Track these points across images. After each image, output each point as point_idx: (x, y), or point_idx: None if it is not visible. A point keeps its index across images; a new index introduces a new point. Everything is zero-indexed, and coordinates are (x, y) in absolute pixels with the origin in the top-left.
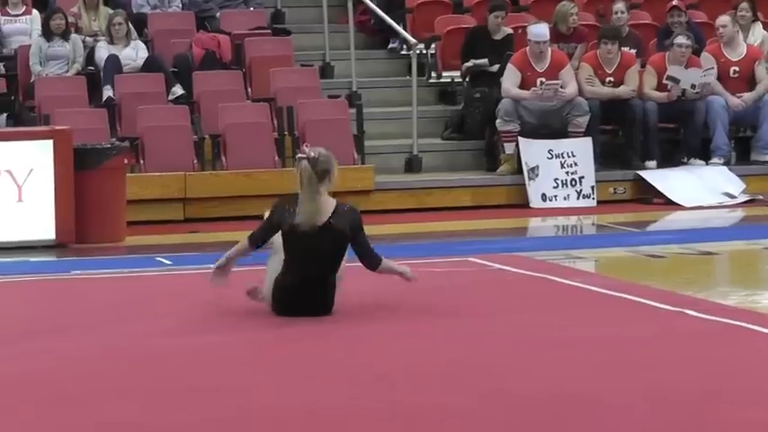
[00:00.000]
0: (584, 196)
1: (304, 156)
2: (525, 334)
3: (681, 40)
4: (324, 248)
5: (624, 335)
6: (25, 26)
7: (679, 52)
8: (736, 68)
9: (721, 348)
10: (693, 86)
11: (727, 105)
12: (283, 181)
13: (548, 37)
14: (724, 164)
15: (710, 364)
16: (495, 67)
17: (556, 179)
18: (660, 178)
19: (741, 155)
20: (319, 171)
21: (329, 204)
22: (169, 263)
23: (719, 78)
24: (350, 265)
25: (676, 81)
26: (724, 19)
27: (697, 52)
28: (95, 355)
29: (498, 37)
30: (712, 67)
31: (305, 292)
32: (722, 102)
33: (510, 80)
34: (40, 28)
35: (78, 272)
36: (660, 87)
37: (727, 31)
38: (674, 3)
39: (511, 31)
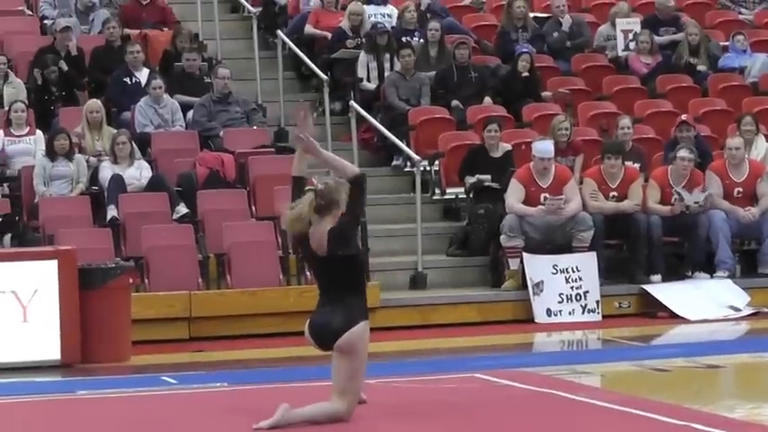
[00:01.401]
0: (589, 311)
1: (312, 188)
2: None
3: (684, 153)
4: (338, 272)
5: None
6: (29, 146)
7: (681, 166)
8: (740, 189)
9: None
10: (697, 202)
11: (729, 218)
12: (288, 299)
13: (553, 153)
14: (728, 277)
15: None
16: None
17: (561, 294)
18: (665, 292)
19: (746, 268)
20: (324, 204)
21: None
22: (174, 382)
23: (724, 197)
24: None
25: (682, 198)
26: (737, 141)
27: (701, 166)
28: None
29: (497, 154)
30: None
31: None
32: (723, 216)
33: (514, 196)
34: (44, 148)
35: (84, 392)
36: (664, 201)
37: (739, 153)
38: (683, 117)
39: (510, 147)
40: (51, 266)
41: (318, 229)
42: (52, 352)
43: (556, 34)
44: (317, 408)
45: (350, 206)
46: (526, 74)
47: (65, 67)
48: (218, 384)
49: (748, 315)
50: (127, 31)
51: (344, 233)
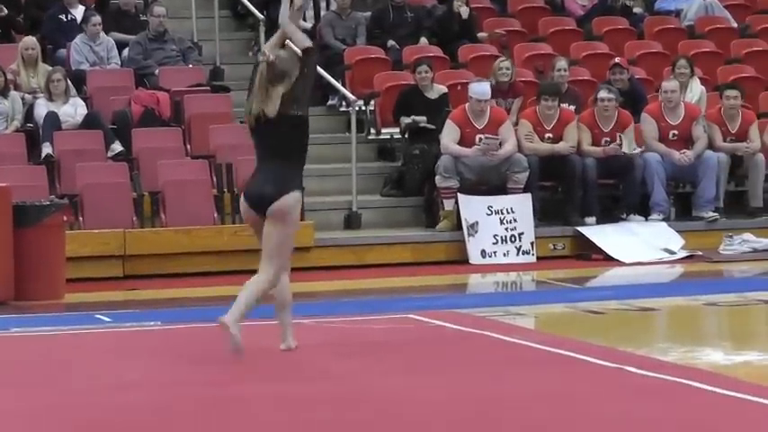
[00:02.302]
0: (523, 252)
1: (264, 59)
2: (461, 391)
3: (603, 93)
4: (282, 134)
5: (562, 391)
6: None
7: (602, 106)
8: (675, 132)
9: (660, 405)
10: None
11: (663, 160)
12: (223, 238)
13: (489, 95)
14: (663, 220)
15: (648, 422)
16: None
17: (495, 235)
18: (599, 234)
19: (681, 211)
20: (276, 74)
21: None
22: (108, 320)
23: (659, 140)
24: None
25: (620, 144)
26: (673, 84)
27: (635, 109)
28: (33, 413)
29: (432, 95)
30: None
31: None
32: (659, 158)
33: (449, 136)
34: None
35: (18, 329)
36: (595, 143)
37: (675, 96)
38: (616, 60)
39: (446, 89)
40: None
41: (272, 95)
42: None
43: None
44: (248, 292)
45: (300, 74)
46: (463, 14)
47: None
48: (152, 323)
49: (682, 258)
50: None
51: (296, 95)
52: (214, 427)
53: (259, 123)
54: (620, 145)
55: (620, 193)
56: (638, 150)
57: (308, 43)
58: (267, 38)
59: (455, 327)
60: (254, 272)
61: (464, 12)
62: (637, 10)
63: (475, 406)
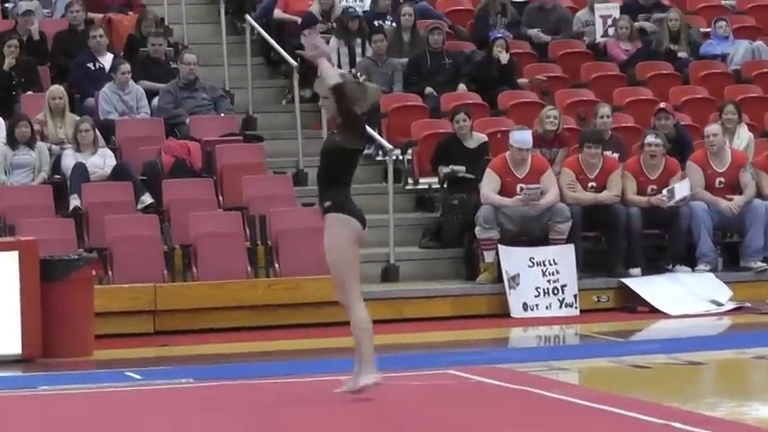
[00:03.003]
0: (566, 305)
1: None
2: None
3: (650, 139)
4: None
5: None
6: None
7: (649, 152)
8: (722, 179)
9: None
10: (683, 199)
11: (710, 209)
12: (257, 292)
13: (531, 144)
14: (710, 270)
15: None
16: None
17: (537, 288)
18: (644, 286)
19: (728, 261)
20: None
21: None
22: (139, 377)
23: (705, 188)
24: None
25: (672, 195)
26: (714, 128)
27: (682, 156)
28: None
29: (471, 144)
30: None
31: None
32: (705, 207)
33: (489, 186)
34: (5, 136)
35: (46, 387)
36: (640, 191)
37: (718, 140)
38: (661, 105)
39: (485, 138)
40: (12, 258)
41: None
42: (13, 346)
43: (537, 32)
44: (361, 340)
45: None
46: (503, 60)
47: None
48: (184, 380)
49: (730, 310)
50: (90, 14)
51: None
52: None
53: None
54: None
55: (666, 243)
56: (688, 195)
57: (332, 81)
58: (301, 85)
59: (496, 383)
60: (288, 327)
61: (504, 58)
62: (681, 54)
63: None
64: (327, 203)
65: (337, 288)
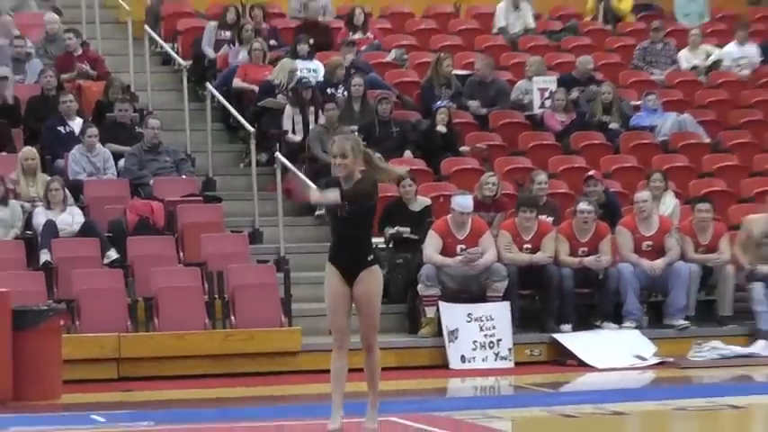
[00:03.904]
0: (501, 358)
1: None
2: None
3: (582, 206)
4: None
5: None
6: None
7: (581, 218)
8: (650, 243)
9: None
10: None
11: (636, 270)
12: (213, 342)
13: (471, 208)
14: (636, 327)
15: None
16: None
17: (474, 341)
18: (574, 341)
19: (653, 319)
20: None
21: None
22: (103, 420)
23: (634, 251)
24: None
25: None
26: (645, 194)
27: (611, 221)
28: None
29: (416, 208)
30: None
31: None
32: (632, 269)
33: (432, 247)
34: None
35: (15, 428)
36: (572, 253)
37: (647, 206)
38: (590, 173)
39: (429, 201)
40: None
41: None
42: None
43: (477, 104)
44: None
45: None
46: (440, 130)
47: None
48: (145, 423)
49: (654, 364)
50: (62, 77)
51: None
52: None
53: None
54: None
55: (595, 301)
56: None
57: (335, 198)
58: (258, 150)
59: (435, 430)
60: (243, 375)
61: (441, 128)
62: (613, 125)
63: None
64: (371, 257)
65: (372, 331)
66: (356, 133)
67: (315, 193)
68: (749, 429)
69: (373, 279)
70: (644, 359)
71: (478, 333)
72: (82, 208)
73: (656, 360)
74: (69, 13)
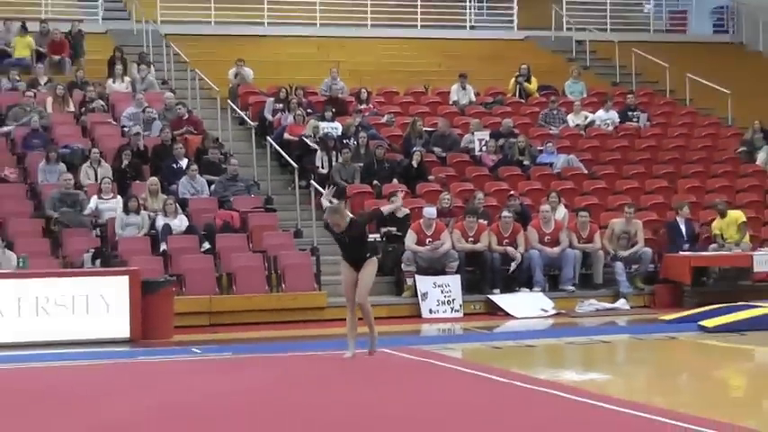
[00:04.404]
0: (455, 311)
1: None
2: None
3: (504, 213)
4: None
5: (462, 400)
6: (113, 205)
7: (504, 222)
8: (549, 237)
9: (532, 410)
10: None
11: (541, 254)
12: (270, 301)
13: (435, 215)
14: (541, 291)
15: (519, 417)
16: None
17: (438, 300)
18: (502, 299)
19: (551, 286)
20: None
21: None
22: (199, 351)
23: (539, 242)
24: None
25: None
26: (546, 207)
27: (524, 223)
28: (155, 406)
29: (401, 215)
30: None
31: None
32: (538, 253)
33: (410, 240)
34: (122, 206)
35: (143, 358)
36: (500, 244)
37: (548, 214)
38: (511, 193)
39: (408, 211)
40: (125, 280)
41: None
42: (124, 331)
43: (439, 149)
44: (372, 321)
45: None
46: (414, 165)
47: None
48: (227, 353)
49: (553, 314)
50: (175, 133)
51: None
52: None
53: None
54: (516, 248)
55: (514, 274)
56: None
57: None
58: (299, 178)
59: (410, 356)
60: (289, 322)
61: (415, 165)
62: (526, 162)
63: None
64: (368, 254)
65: (366, 293)
66: (359, 167)
67: (324, 201)
68: (613, 357)
69: (370, 265)
70: (546, 311)
71: (440, 295)
72: (187, 216)
73: (554, 312)
74: (180, 92)
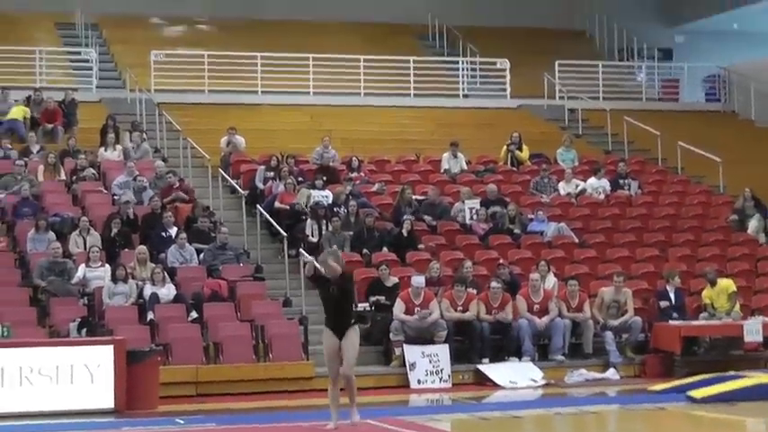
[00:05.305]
0: (443, 381)
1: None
2: None
3: (493, 284)
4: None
5: None
6: (101, 274)
7: (493, 291)
8: (538, 306)
9: None
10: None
11: (530, 324)
12: (257, 371)
13: (424, 284)
14: (530, 360)
15: None
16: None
17: (426, 370)
18: (490, 369)
19: (541, 355)
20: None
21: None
22: (182, 422)
23: (528, 311)
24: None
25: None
26: (535, 275)
27: (513, 292)
28: None
29: (389, 284)
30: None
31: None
32: (527, 323)
33: (399, 309)
34: (110, 275)
35: (127, 428)
36: (489, 313)
37: (537, 283)
38: (500, 261)
39: (397, 280)
40: (109, 349)
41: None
42: (109, 401)
43: (429, 218)
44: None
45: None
46: (404, 234)
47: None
48: (212, 424)
49: (542, 385)
50: (165, 201)
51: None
52: None
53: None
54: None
55: (504, 344)
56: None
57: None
58: (289, 247)
59: (396, 428)
60: (276, 392)
61: (405, 234)
62: (516, 231)
63: None
64: (352, 321)
65: (353, 365)
66: (349, 236)
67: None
68: (602, 428)
69: (353, 334)
70: (536, 381)
71: (429, 365)
72: (175, 284)
73: (543, 382)
74: (173, 160)
